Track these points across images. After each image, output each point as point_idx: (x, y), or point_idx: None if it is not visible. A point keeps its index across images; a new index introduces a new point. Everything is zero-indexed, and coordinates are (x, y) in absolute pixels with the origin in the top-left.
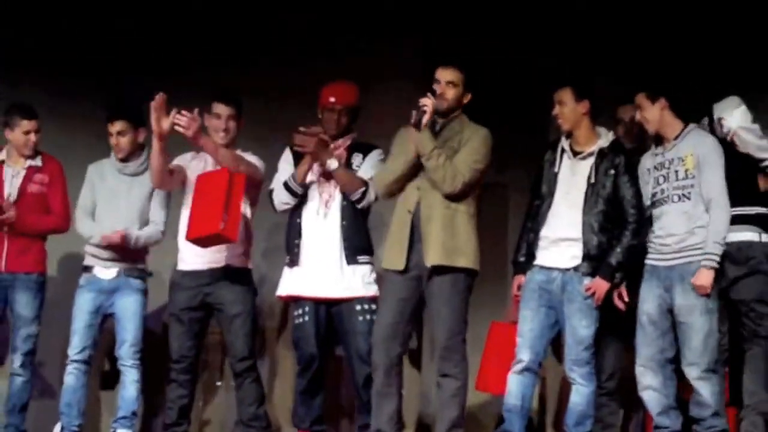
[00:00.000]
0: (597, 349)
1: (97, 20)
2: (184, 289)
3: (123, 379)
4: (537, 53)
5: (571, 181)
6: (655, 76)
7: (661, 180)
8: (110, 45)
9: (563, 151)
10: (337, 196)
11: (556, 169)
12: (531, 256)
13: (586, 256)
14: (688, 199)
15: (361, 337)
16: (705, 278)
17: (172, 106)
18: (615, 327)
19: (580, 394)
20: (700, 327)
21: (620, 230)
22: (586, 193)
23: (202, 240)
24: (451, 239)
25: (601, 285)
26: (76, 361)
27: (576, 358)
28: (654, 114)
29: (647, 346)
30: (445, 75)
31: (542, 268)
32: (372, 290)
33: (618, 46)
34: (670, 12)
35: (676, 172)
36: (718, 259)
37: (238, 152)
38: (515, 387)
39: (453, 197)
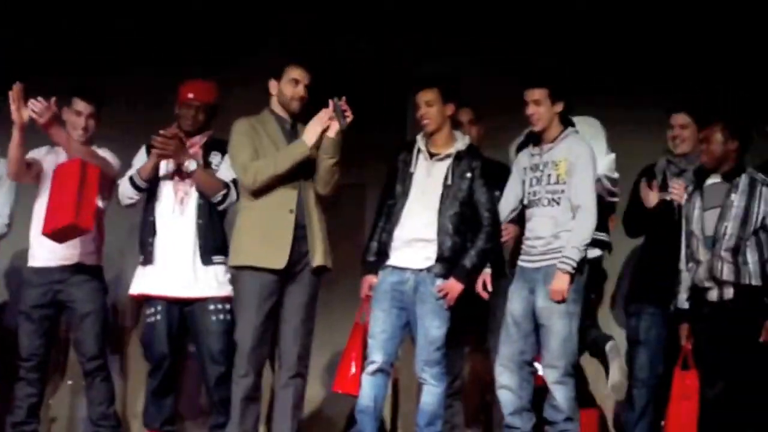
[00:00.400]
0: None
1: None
2: (35, 287)
3: None
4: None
5: (427, 182)
6: (563, 80)
7: (534, 182)
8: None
9: (419, 151)
10: (193, 194)
11: (411, 170)
12: (383, 255)
13: (440, 258)
14: (558, 204)
15: (214, 336)
16: (559, 283)
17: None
18: (460, 329)
19: (432, 394)
20: (558, 330)
21: (475, 233)
22: (442, 195)
23: (58, 233)
24: (326, 240)
25: (454, 287)
26: None
27: (428, 358)
28: (549, 113)
29: (508, 346)
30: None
31: (395, 268)
32: (226, 290)
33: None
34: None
35: (549, 176)
36: (574, 264)
37: (93, 148)
38: (368, 388)
39: (324, 198)
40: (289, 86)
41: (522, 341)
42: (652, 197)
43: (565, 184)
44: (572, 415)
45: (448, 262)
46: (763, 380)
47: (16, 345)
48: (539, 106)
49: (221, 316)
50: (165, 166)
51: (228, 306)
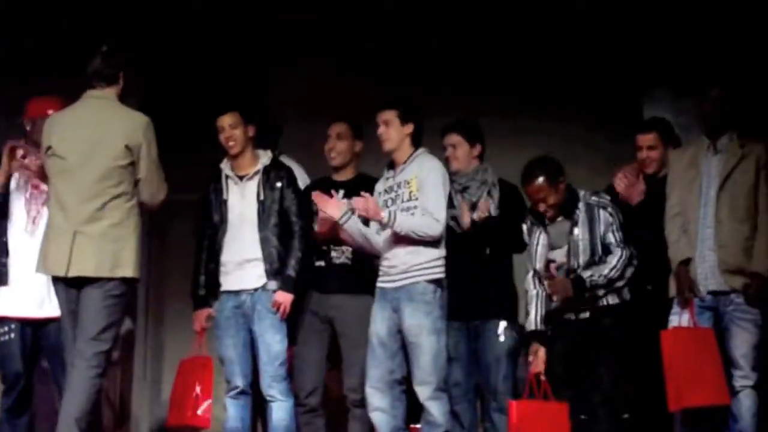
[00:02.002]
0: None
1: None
2: None
3: None
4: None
5: (243, 203)
6: (411, 103)
7: (389, 203)
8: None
9: (228, 177)
10: (45, 213)
11: (224, 197)
12: (216, 285)
13: (271, 272)
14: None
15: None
16: (375, 212)
17: None
18: (315, 342)
19: (283, 409)
20: (428, 347)
21: (291, 241)
22: (258, 211)
23: None
24: None
25: (285, 297)
26: None
27: (274, 374)
28: (398, 135)
29: (376, 368)
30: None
31: (230, 293)
32: None
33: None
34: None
35: (402, 194)
36: (392, 220)
37: None
38: (234, 411)
39: None
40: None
41: (390, 361)
42: (467, 218)
43: (417, 200)
44: (450, 428)
45: (281, 275)
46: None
47: None
48: (389, 127)
49: None
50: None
51: None
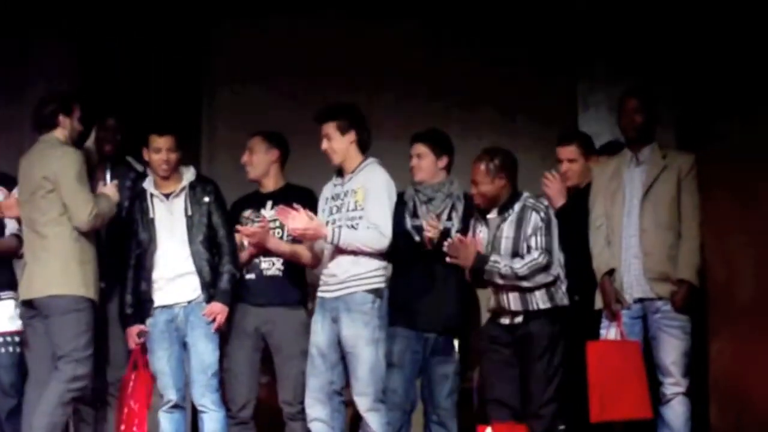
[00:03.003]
0: (227, 379)
1: None
2: None
3: None
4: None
5: (170, 220)
6: (348, 111)
7: (334, 210)
8: None
9: (153, 196)
10: None
11: (151, 215)
12: (146, 303)
13: (204, 285)
14: (356, 230)
15: (5, 369)
16: (317, 231)
17: None
18: (246, 356)
19: (215, 420)
20: (366, 357)
21: (222, 255)
22: (188, 227)
23: None
24: None
25: (219, 309)
26: None
27: (206, 384)
28: (342, 145)
29: (316, 378)
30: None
31: (164, 307)
32: (15, 324)
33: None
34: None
35: (348, 203)
36: (333, 236)
37: None
38: (168, 425)
39: None
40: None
41: (330, 372)
42: (432, 232)
43: (363, 210)
44: None
45: (214, 287)
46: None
47: None
48: (330, 140)
49: (11, 349)
50: None
51: (17, 338)
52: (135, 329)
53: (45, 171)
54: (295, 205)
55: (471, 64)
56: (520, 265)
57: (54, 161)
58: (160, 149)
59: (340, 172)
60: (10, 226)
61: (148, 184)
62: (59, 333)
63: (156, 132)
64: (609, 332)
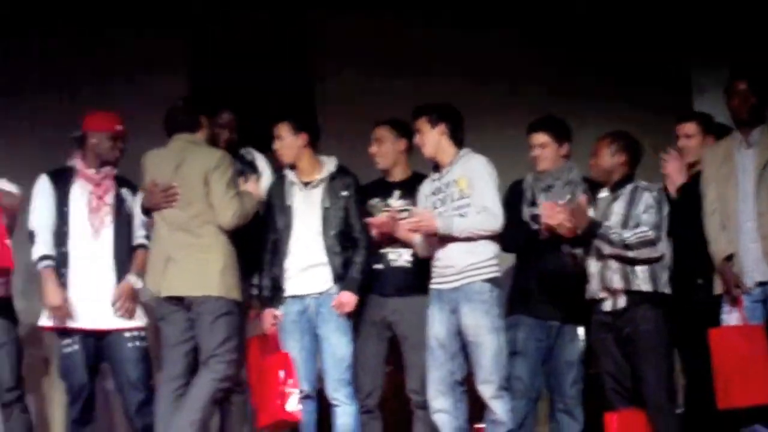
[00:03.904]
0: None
1: None
2: None
3: None
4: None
5: (307, 210)
6: (438, 105)
7: (438, 204)
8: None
9: (292, 184)
10: (109, 224)
11: (288, 202)
12: (278, 289)
13: (336, 277)
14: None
15: (132, 364)
16: (428, 224)
17: None
18: (373, 345)
19: (348, 414)
20: (489, 345)
21: (355, 248)
22: (323, 218)
23: None
24: None
25: (349, 298)
26: None
27: (340, 377)
28: (432, 138)
29: (437, 370)
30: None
31: (295, 297)
32: (142, 320)
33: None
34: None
35: (452, 194)
36: (448, 226)
37: None
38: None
39: None
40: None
41: (450, 363)
42: (552, 219)
43: (469, 198)
44: (514, 427)
45: (346, 277)
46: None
47: None
48: (422, 134)
49: (138, 343)
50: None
51: (143, 333)
52: (272, 311)
53: (203, 174)
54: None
55: (583, 50)
56: (629, 234)
57: (211, 164)
58: (280, 136)
59: (436, 167)
60: (139, 233)
61: (288, 171)
62: (211, 335)
63: (277, 121)
64: (730, 317)
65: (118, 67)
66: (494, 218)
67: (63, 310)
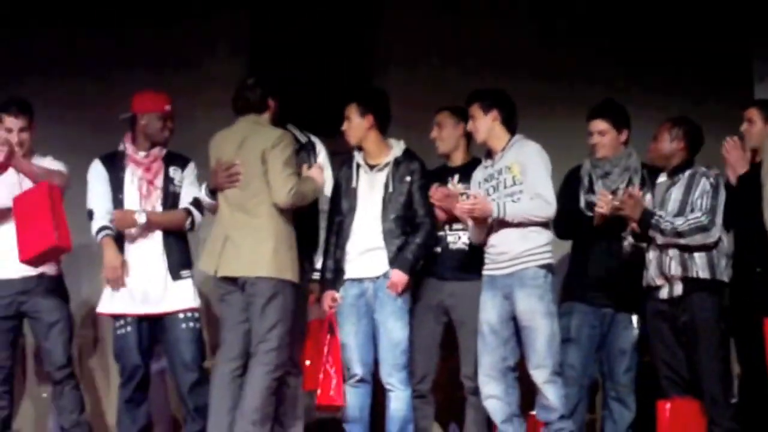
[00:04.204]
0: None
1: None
2: None
3: None
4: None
5: (371, 193)
6: (490, 91)
7: (491, 191)
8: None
9: (359, 166)
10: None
11: (353, 185)
12: (340, 272)
13: (393, 261)
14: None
15: (186, 345)
16: (484, 209)
17: None
18: (428, 329)
19: (400, 399)
20: (543, 330)
21: (415, 231)
22: (384, 201)
23: (38, 258)
24: None
25: (399, 277)
26: None
27: (394, 362)
28: (484, 124)
29: (488, 355)
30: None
31: (354, 280)
32: (195, 302)
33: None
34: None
35: (505, 180)
36: (500, 210)
37: (40, 158)
38: (353, 399)
39: None
40: None
41: (502, 348)
42: (605, 208)
43: (522, 184)
44: (566, 413)
45: (399, 257)
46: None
47: None
48: (475, 120)
49: (191, 324)
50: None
51: (197, 315)
52: (332, 293)
53: (261, 152)
54: (470, 194)
55: (644, 38)
56: (681, 222)
57: (270, 142)
58: (348, 117)
59: (488, 153)
60: (185, 200)
61: (357, 153)
62: (261, 319)
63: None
64: None
65: (176, 49)
66: (547, 205)
67: (118, 272)
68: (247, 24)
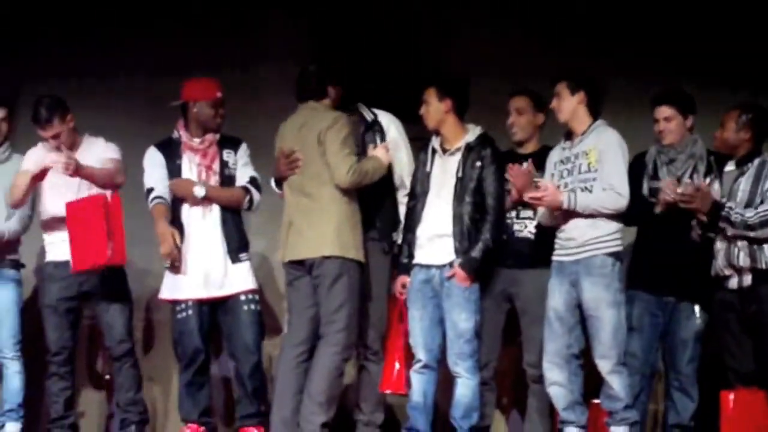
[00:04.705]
0: None
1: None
2: (58, 280)
3: (5, 372)
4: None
5: (443, 178)
6: (578, 72)
7: (565, 174)
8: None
9: (434, 151)
10: None
11: (428, 169)
12: (412, 257)
13: (460, 250)
14: (590, 192)
15: (246, 327)
16: (554, 199)
17: None
18: (491, 316)
19: (467, 386)
20: (609, 320)
21: (482, 223)
22: (455, 187)
23: (88, 272)
24: None
25: (462, 278)
26: None
27: (459, 351)
28: (569, 105)
29: (553, 342)
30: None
31: (422, 266)
32: (254, 283)
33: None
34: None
35: (580, 165)
36: (571, 201)
37: (93, 139)
38: (417, 385)
39: None
40: None
41: (567, 335)
42: (668, 196)
43: (597, 172)
44: (631, 403)
45: (467, 254)
46: None
47: (42, 341)
48: (560, 99)
49: (252, 307)
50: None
51: (257, 297)
52: (404, 278)
53: (317, 134)
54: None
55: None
56: (751, 214)
57: (325, 123)
58: (426, 101)
59: (568, 135)
60: (241, 180)
61: (434, 138)
62: (328, 299)
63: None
64: None
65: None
66: (619, 197)
67: (170, 242)
68: (304, 32)
